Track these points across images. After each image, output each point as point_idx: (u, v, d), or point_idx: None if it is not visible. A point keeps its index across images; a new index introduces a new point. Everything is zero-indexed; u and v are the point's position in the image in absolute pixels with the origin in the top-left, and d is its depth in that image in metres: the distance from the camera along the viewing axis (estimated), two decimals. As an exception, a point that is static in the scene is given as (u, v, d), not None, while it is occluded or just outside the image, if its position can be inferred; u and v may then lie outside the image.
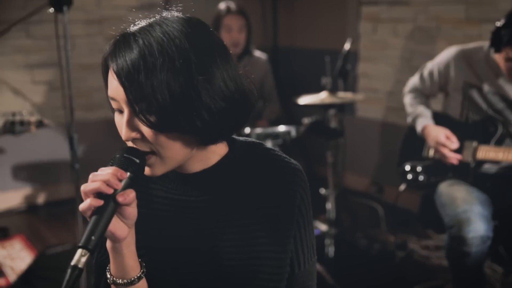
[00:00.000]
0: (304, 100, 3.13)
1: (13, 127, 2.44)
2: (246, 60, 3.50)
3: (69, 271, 0.92)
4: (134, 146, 1.05)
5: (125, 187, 1.00)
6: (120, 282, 1.07)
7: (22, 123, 2.46)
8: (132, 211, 1.02)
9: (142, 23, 1.05)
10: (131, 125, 1.03)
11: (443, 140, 2.51)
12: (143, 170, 1.04)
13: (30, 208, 4.35)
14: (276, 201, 1.13)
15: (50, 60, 4.17)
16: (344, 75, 3.36)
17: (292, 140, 3.05)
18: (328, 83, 3.16)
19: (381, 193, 4.27)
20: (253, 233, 1.12)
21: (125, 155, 1.03)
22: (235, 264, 1.11)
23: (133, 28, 1.04)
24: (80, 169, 2.57)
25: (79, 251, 0.94)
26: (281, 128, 3.05)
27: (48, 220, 4.15)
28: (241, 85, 1.08)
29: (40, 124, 2.51)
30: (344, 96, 3.18)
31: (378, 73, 4.27)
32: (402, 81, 4.06)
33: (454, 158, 2.49)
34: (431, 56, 3.83)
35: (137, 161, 1.02)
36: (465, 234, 2.26)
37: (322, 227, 3.39)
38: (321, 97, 3.12)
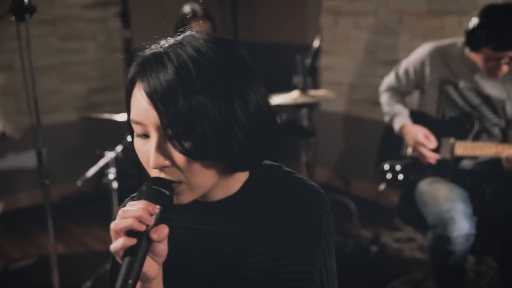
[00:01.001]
0: (275, 99, 3.08)
1: None
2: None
3: None
4: (160, 175, 0.97)
5: (157, 223, 0.92)
6: None
7: None
8: (163, 248, 0.95)
9: (170, 41, 0.98)
10: (161, 152, 0.95)
11: (421, 139, 2.52)
12: (173, 201, 0.97)
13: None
14: (301, 226, 1.08)
15: (1, 63, 3.97)
16: (314, 72, 3.34)
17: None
18: (299, 82, 3.12)
19: (348, 185, 4.30)
20: (278, 260, 1.06)
21: (153, 187, 0.94)
22: None
23: (161, 47, 0.96)
24: (49, 185, 2.45)
25: None
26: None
27: (8, 231, 3.95)
28: (270, 105, 1.02)
29: (2, 138, 2.38)
30: (315, 94, 3.15)
31: (340, 66, 4.27)
32: (365, 74, 4.08)
33: (432, 158, 2.50)
34: (394, 49, 3.87)
35: (167, 192, 0.95)
36: (450, 233, 2.27)
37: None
38: (293, 96, 3.08)
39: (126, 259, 0.89)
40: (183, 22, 3.25)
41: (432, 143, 2.53)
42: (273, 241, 1.07)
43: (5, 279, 3.25)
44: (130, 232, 0.90)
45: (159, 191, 0.94)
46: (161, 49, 0.96)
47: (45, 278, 2.72)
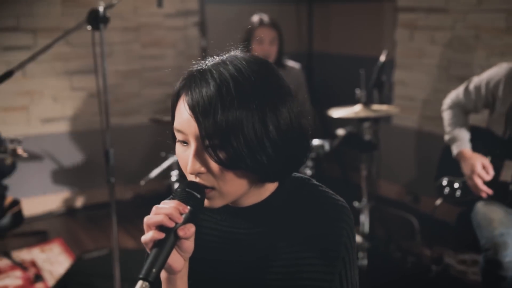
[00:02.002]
0: (338, 113, 3.11)
1: None
2: (278, 72, 3.49)
3: None
4: (196, 180, 1.06)
5: (186, 221, 1.02)
6: None
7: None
8: (190, 245, 1.04)
9: (214, 59, 1.08)
10: (198, 159, 1.04)
11: (479, 170, 2.45)
12: (203, 204, 1.06)
13: (68, 212, 4.45)
14: (323, 237, 1.13)
15: (88, 67, 4.25)
16: (380, 86, 3.33)
17: (325, 154, 3.03)
18: (362, 96, 3.13)
19: (417, 203, 4.22)
20: (299, 267, 1.13)
21: (187, 189, 1.04)
22: None
23: (207, 64, 1.07)
24: (115, 183, 2.62)
25: (140, 282, 0.96)
26: (315, 141, 3.04)
27: (86, 223, 4.24)
28: (302, 123, 1.11)
29: (14, 154, 2.58)
30: (378, 109, 3.15)
31: (414, 81, 4.21)
32: (439, 89, 4.00)
33: (485, 192, 2.43)
34: (469, 65, 3.77)
35: (198, 196, 1.04)
36: (502, 258, 2.21)
37: (357, 239, 3.37)
38: (355, 110, 3.09)
39: (154, 251, 0.99)
40: (250, 30, 3.38)
41: (489, 175, 2.45)
42: (295, 249, 1.13)
43: (78, 267, 3.48)
44: (160, 227, 1.00)
45: (191, 194, 1.04)
46: (206, 66, 1.06)
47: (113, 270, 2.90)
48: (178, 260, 1.05)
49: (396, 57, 4.28)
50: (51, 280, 3.38)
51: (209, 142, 1.02)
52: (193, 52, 4.64)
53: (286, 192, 1.18)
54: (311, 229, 1.14)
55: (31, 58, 2.43)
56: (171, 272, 1.06)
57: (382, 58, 3.27)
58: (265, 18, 3.43)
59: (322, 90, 4.83)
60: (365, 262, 3.20)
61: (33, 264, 3.59)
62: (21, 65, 2.40)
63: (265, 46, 3.35)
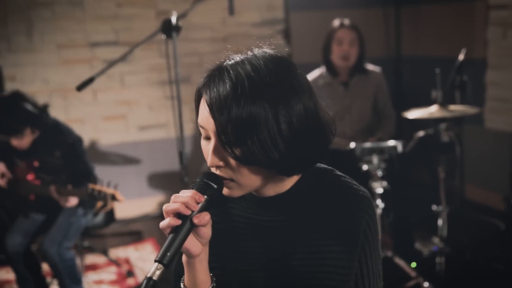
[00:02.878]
0: (414, 114, 3.06)
1: (94, 196, 2.82)
2: (358, 76, 3.49)
3: (144, 282, 1.02)
4: (216, 172, 1.15)
5: (202, 210, 1.10)
6: None
7: (100, 194, 2.81)
8: (206, 231, 1.12)
9: (236, 58, 1.15)
10: (217, 154, 1.12)
11: None
12: (220, 194, 1.14)
13: (162, 214, 4.70)
14: (342, 225, 1.19)
15: (180, 76, 4.49)
16: (462, 87, 3.23)
17: (398, 155, 2.99)
18: (438, 96, 3.05)
19: (510, 208, 3.99)
20: (321, 254, 1.18)
21: (204, 180, 1.12)
22: (303, 283, 1.18)
23: (227, 63, 1.14)
24: (188, 182, 2.77)
25: (155, 264, 1.04)
26: (388, 143, 3.01)
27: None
28: (319, 120, 1.16)
29: (113, 198, 2.82)
30: (456, 109, 3.05)
31: (508, 81, 4.00)
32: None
33: None
34: None
35: (215, 186, 1.12)
36: None
37: (426, 248, 3.28)
38: (431, 111, 3.02)
39: (170, 236, 1.07)
40: (330, 32, 3.42)
41: None
42: (317, 236, 1.19)
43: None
44: (177, 215, 1.09)
45: (208, 184, 1.12)
46: (226, 65, 1.14)
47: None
48: (195, 245, 1.12)
49: (489, 56, 4.10)
50: (141, 276, 3.62)
51: (225, 139, 1.09)
52: (279, 59, 4.74)
53: (308, 183, 1.23)
54: (332, 218, 1.19)
55: (110, 65, 2.66)
56: (190, 256, 1.14)
57: (461, 57, 3.17)
58: (346, 21, 3.46)
59: (411, 93, 4.73)
60: (442, 267, 3.10)
61: (127, 261, 3.86)
62: (100, 73, 2.64)
63: (345, 47, 3.37)
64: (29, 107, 2.94)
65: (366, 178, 3.02)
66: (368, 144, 3.00)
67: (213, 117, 1.09)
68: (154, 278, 1.02)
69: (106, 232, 4.35)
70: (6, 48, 4.17)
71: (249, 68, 1.10)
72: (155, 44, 4.36)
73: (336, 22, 3.49)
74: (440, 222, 3.17)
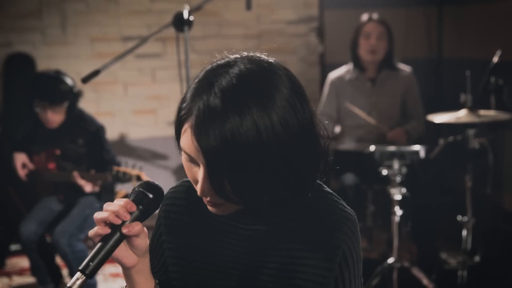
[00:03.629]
0: (440, 118, 2.90)
1: (119, 178, 3.00)
2: (386, 72, 3.36)
3: None
4: (156, 183, 1.09)
5: (134, 220, 1.04)
6: None
7: (125, 175, 3.00)
8: (140, 242, 1.06)
9: (220, 69, 1.02)
10: (207, 185, 1.02)
11: None
12: (157, 204, 1.09)
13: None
14: (320, 245, 1.09)
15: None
16: (497, 91, 3.04)
17: (420, 161, 2.84)
18: (468, 100, 2.88)
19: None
20: (292, 273, 1.09)
21: (140, 189, 1.08)
22: None
23: (211, 75, 1.01)
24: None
25: (77, 273, 1.00)
26: (410, 147, 2.86)
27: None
28: (315, 136, 1.04)
29: (138, 179, 2.99)
30: (486, 114, 2.87)
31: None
32: None
33: None
34: None
35: (151, 196, 1.07)
36: None
37: (453, 259, 3.11)
38: (459, 115, 2.86)
39: (97, 245, 1.03)
40: (358, 27, 3.32)
41: None
42: (292, 253, 1.10)
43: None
44: (108, 223, 1.03)
45: (143, 194, 1.07)
46: (208, 79, 1.01)
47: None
48: (129, 256, 1.07)
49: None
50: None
51: (214, 178, 0.99)
52: (314, 58, 4.64)
53: None
54: (310, 236, 1.10)
55: (117, 59, 2.67)
56: (124, 267, 1.08)
57: (495, 59, 2.99)
58: (374, 15, 3.38)
59: (451, 97, 4.51)
60: (464, 280, 2.92)
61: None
62: (106, 66, 2.65)
63: (372, 41, 3.27)
64: (71, 83, 3.15)
65: (385, 183, 2.89)
66: (387, 148, 2.86)
67: (206, 161, 0.98)
68: None
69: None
70: (40, 40, 4.25)
71: (234, 80, 0.98)
72: (191, 39, 4.33)
73: (365, 17, 3.41)
74: (464, 233, 2.99)
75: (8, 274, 3.59)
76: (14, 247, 3.80)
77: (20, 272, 3.57)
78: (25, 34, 4.21)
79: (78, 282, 0.99)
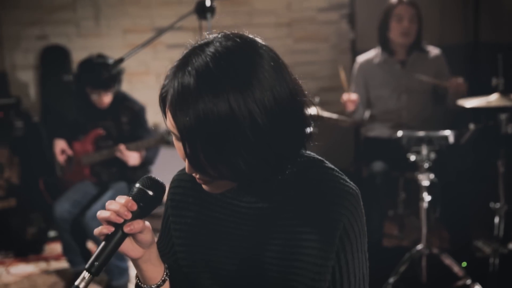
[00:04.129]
0: (471, 103, 2.84)
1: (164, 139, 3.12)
2: (416, 54, 3.31)
3: None
4: (157, 179, 1.11)
5: (135, 217, 1.08)
6: (141, 285, 1.18)
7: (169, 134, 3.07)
8: (144, 237, 1.10)
9: (197, 49, 1.04)
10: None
11: None
12: (159, 199, 1.11)
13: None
14: (321, 220, 1.10)
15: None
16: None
17: (449, 147, 2.79)
18: (500, 84, 2.81)
19: None
20: (295, 248, 1.11)
21: (140, 186, 1.10)
22: (274, 276, 1.12)
23: (187, 55, 1.03)
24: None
25: (84, 272, 1.05)
26: (438, 132, 2.81)
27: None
28: (295, 110, 1.05)
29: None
30: (519, 98, 2.79)
31: None
32: None
33: None
34: None
35: (150, 193, 1.09)
36: None
37: (485, 247, 3.04)
38: (490, 99, 2.79)
39: (102, 244, 1.07)
40: (388, 9, 3.27)
41: None
42: (295, 230, 1.11)
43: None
44: (111, 222, 1.07)
45: (143, 191, 1.09)
46: (184, 59, 1.03)
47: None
48: (134, 249, 1.11)
49: None
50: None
51: (189, 148, 1.02)
52: (345, 45, 4.60)
53: (294, 171, 1.13)
54: (312, 211, 1.11)
55: (137, 49, 2.80)
56: (130, 258, 1.13)
57: (528, 41, 2.89)
58: None
59: (489, 82, 4.39)
60: (495, 268, 2.86)
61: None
62: (130, 54, 2.74)
63: (405, 23, 3.22)
64: (116, 64, 3.22)
65: (413, 169, 2.85)
66: (415, 133, 2.82)
67: (183, 145, 1.02)
68: (81, 287, 1.03)
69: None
70: (75, 32, 4.34)
71: (208, 59, 0.99)
72: (221, 29, 4.35)
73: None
74: (496, 220, 2.93)
75: (46, 259, 3.71)
76: (52, 233, 3.92)
77: (57, 257, 3.68)
78: (60, 26, 4.32)
79: (85, 280, 1.04)
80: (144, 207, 1.08)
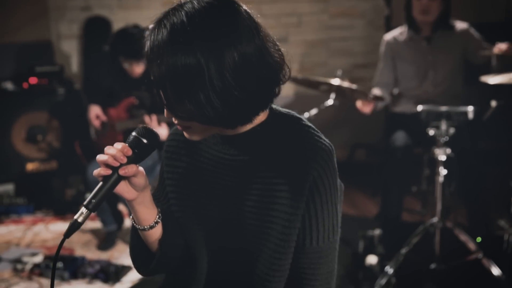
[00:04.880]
0: (495, 79, 2.82)
1: None
2: (441, 31, 3.28)
3: (71, 222, 1.17)
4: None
5: (130, 162, 1.20)
6: (136, 226, 1.32)
7: None
8: (137, 181, 1.23)
9: (175, 5, 1.15)
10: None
11: None
12: (153, 147, 1.23)
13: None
14: (293, 172, 1.21)
15: (279, 36, 4.53)
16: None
17: (468, 123, 2.79)
18: (524, 61, 2.79)
19: None
20: (270, 198, 1.22)
21: (135, 135, 1.22)
22: (251, 222, 1.24)
23: (165, 13, 1.15)
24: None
25: (82, 208, 1.18)
26: (458, 108, 2.81)
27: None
28: (264, 66, 1.14)
29: None
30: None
31: None
32: None
33: None
34: None
35: (145, 141, 1.21)
36: None
37: (503, 225, 3.02)
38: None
39: (99, 184, 1.19)
40: None
41: None
42: (270, 181, 1.23)
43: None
44: (108, 165, 1.19)
45: (138, 139, 1.22)
46: (162, 16, 1.15)
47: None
48: (129, 191, 1.23)
49: None
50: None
51: (162, 93, 1.15)
52: (381, 21, 4.58)
53: (271, 126, 1.25)
54: (286, 163, 1.22)
55: None
56: (125, 199, 1.26)
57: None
58: None
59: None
60: (510, 245, 2.86)
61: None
62: None
63: (424, 1, 3.19)
64: None
65: (431, 144, 2.87)
66: (433, 108, 2.83)
67: (150, 69, 1.15)
68: (79, 220, 1.16)
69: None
70: (117, 5, 4.50)
71: (184, 16, 1.10)
72: (255, 4, 4.42)
73: None
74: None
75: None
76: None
77: (91, 217, 3.87)
78: (103, -2, 4.49)
79: (83, 216, 1.16)
80: (138, 153, 1.20)
